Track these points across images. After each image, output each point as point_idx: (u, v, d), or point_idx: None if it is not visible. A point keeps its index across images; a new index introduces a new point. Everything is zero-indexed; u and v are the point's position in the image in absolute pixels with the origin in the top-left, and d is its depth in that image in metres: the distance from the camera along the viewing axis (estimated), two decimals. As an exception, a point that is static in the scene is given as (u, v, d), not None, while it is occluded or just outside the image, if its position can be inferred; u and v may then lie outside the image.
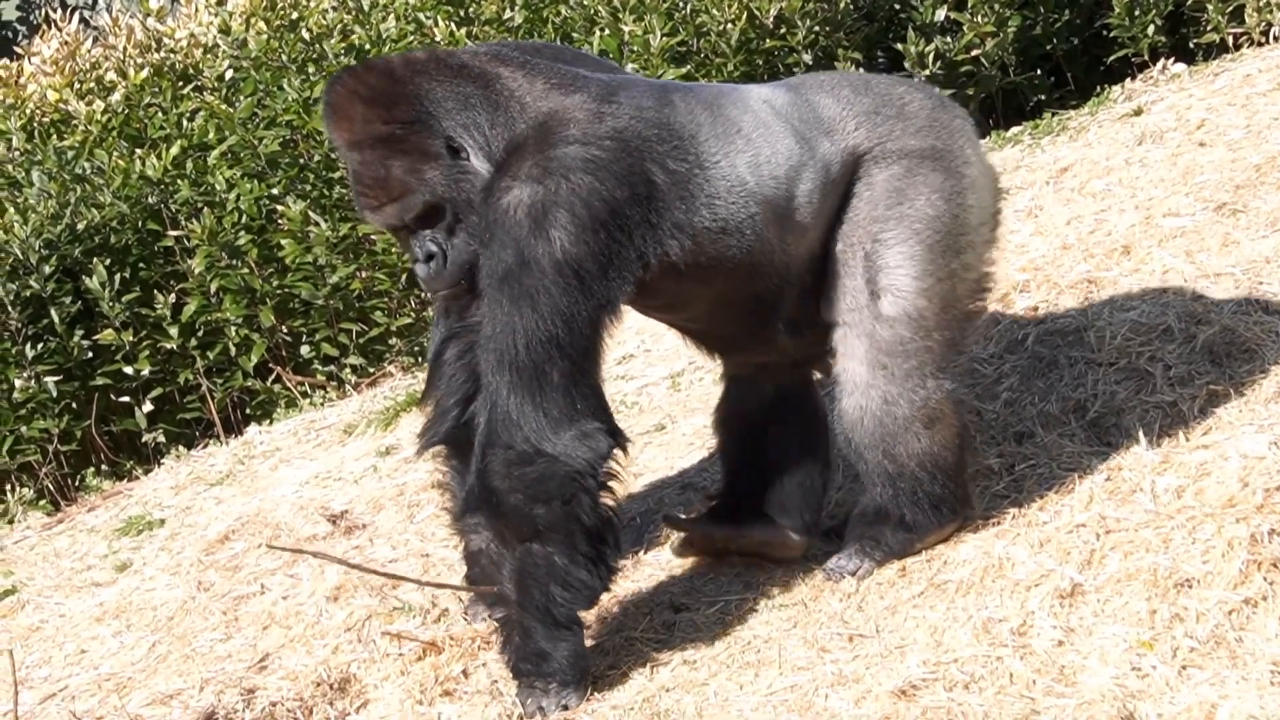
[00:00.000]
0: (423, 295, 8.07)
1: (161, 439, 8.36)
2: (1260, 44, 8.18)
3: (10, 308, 8.27)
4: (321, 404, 8.11)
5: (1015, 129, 8.28)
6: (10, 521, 8.01)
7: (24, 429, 8.24)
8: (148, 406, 8.36)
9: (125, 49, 9.60)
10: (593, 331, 4.14)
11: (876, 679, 4.55)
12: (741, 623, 4.71)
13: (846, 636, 4.73)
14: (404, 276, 8.27)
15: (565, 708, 4.46)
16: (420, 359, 7.91)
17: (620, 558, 4.63)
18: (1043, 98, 8.61)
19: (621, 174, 4.04)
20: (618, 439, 4.28)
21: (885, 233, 4.17)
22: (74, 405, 8.33)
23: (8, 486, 8.28)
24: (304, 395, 8.27)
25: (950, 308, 4.22)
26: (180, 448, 8.17)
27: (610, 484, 4.34)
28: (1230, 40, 8.28)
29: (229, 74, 8.97)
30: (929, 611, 4.78)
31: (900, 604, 4.85)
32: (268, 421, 8.15)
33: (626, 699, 4.52)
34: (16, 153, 9.05)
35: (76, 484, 8.32)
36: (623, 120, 4.10)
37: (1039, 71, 8.68)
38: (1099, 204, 6.85)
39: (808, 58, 8.21)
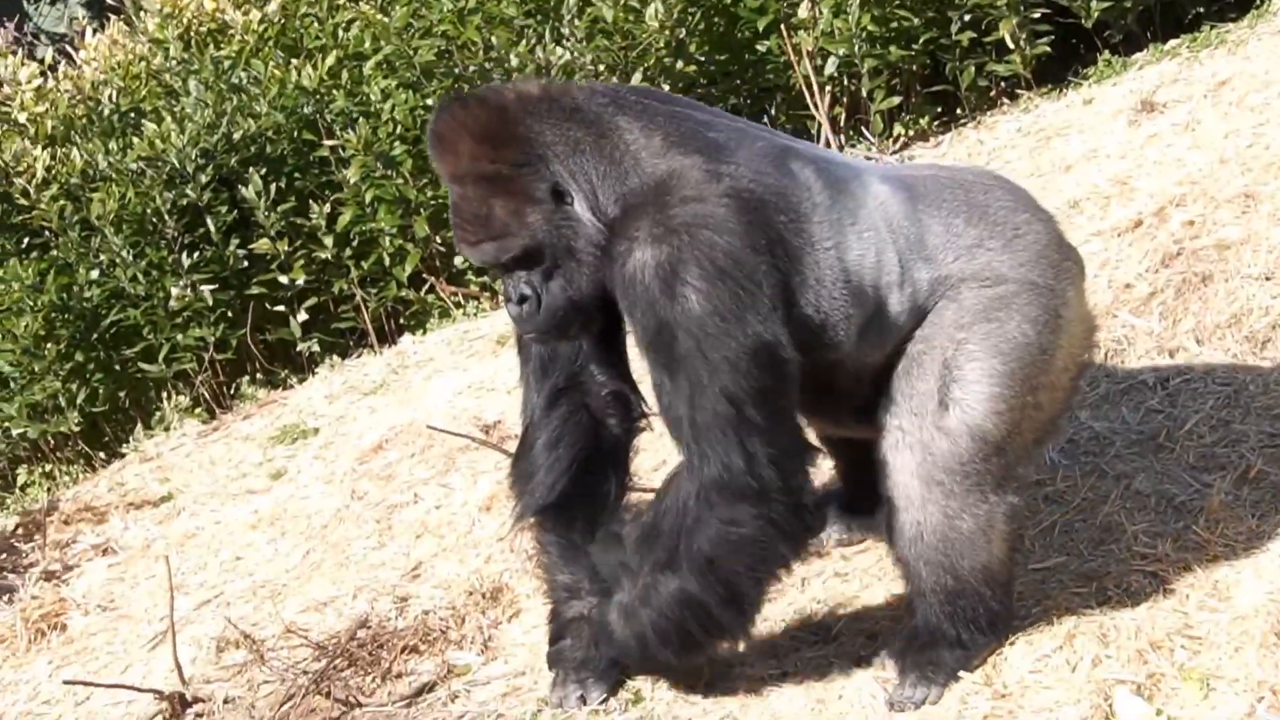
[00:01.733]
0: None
1: (316, 348, 8.47)
2: None
3: (167, 217, 8.40)
4: (475, 315, 8.12)
5: (1173, 42, 8.06)
6: (167, 429, 8.19)
7: (180, 337, 8.38)
8: (302, 316, 8.48)
9: (282, -42, 9.65)
10: (758, 373, 3.97)
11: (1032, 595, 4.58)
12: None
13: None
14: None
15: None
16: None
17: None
18: (1201, 10, 8.35)
19: (741, 228, 3.92)
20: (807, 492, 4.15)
21: (969, 344, 3.98)
22: (229, 314, 8.47)
23: (164, 394, 8.46)
24: (457, 306, 8.29)
25: (1016, 436, 4.02)
26: (334, 357, 8.26)
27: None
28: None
29: (384, -16, 8.97)
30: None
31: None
32: (421, 332, 8.19)
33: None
34: (174, 63, 9.25)
35: (232, 392, 8.49)
36: (741, 182, 3.99)
37: (1199, -17, 8.41)
38: (1257, 118, 6.66)
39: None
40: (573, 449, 4.39)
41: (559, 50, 8.10)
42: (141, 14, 9.69)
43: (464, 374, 7.19)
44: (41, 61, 9.89)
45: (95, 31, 10.35)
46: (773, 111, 8.73)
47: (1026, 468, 4.16)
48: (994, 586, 4.07)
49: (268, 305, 8.56)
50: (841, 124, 8.29)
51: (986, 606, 4.09)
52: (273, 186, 8.38)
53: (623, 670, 4.56)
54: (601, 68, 8.16)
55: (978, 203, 4.11)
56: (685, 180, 3.96)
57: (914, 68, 8.35)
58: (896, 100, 8.24)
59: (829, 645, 4.52)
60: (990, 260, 4.01)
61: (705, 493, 4.08)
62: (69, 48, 10.64)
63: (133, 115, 9.02)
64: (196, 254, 8.37)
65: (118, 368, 8.54)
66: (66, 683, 5.85)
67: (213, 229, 8.39)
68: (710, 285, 3.89)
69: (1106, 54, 8.09)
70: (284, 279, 8.45)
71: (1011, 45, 7.97)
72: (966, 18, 8.10)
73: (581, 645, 4.51)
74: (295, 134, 8.67)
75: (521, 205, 4.00)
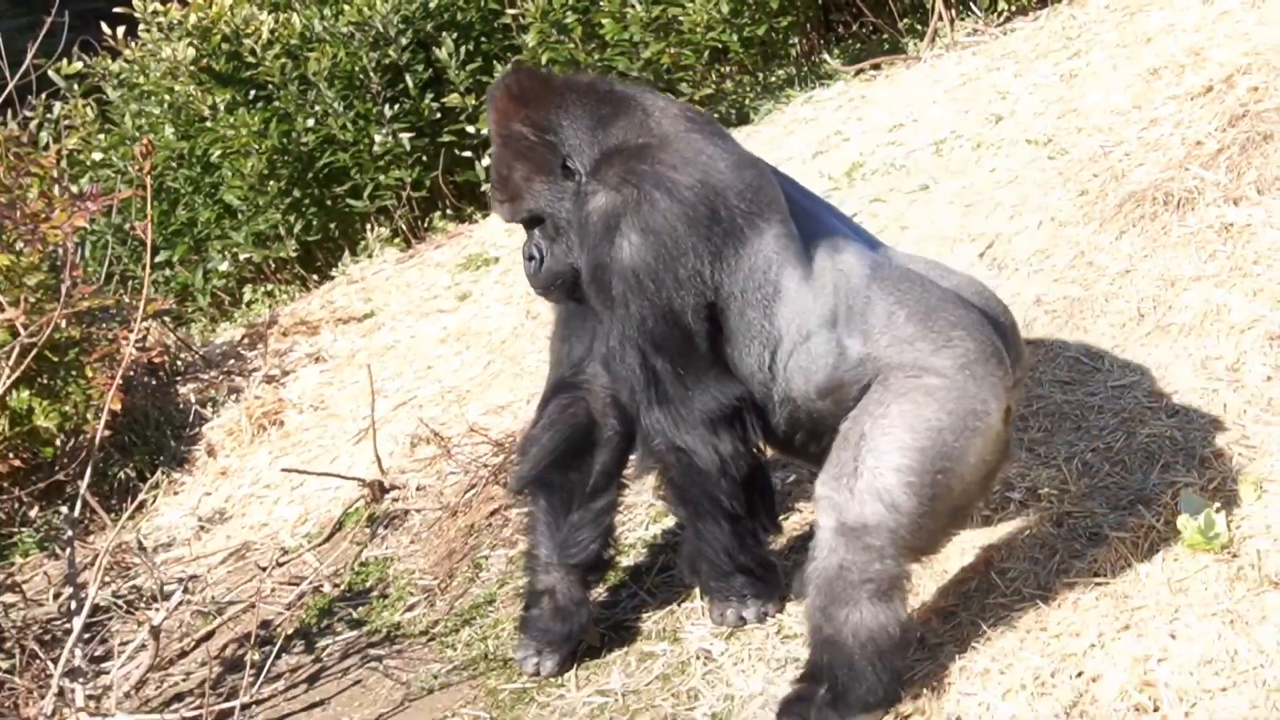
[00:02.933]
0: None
1: None
2: None
3: (372, 74, 8.52)
4: None
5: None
6: (370, 256, 8.47)
7: (382, 178, 8.58)
8: (485, 160, 8.49)
9: None
10: (666, 330, 3.90)
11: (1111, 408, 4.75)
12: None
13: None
14: (706, 52, 8.42)
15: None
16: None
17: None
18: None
19: (693, 199, 3.83)
20: (745, 422, 4.03)
21: (885, 420, 3.78)
22: (424, 158, 8.62)
23: (368, 226, 8.71)
24: None
25: (924, 513, 3.78)
26: None
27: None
28: None
29: None
30: (1154, 350, 4.97)
31: (1128, 343, 5.05)
32: None
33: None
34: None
35: (425, 225, 8.70)
36: (721, 173, 3.89)
37: None
38: (1323, -8, 6.63)
39: None
40: (560, 437, 4.25)
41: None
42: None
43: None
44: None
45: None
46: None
47: (928, 546, 3.93)
48: (875, 648, 3.81)
49: (457, 151, 8.63)
50: (952, 1, 8.30)
51: (867, 668, 3.83)
52: (462, 49, 8.48)
53: (581, 644, 4.47)
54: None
55: (928, 305, 3.90)
56: (672, 147, 3.87)
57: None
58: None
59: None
60: (918, 358, 3.82)
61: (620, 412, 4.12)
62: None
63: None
64: (397, 106, 8.49)
65: (329, 203, 8.73)
66: (284, 470, 6.26)
67: (411, 85, 8.50)
68: (642, 240, 3.80)
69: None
70: (470, 129, 8.53)
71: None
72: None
73: (545, 616, 4.40)
74: (482, 3, 8.75)
75: (533, 173, 3.97)
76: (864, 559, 3.75)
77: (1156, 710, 3.85)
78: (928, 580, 4.39)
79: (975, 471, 3.84)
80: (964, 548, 4.43)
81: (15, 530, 6.54)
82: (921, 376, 3.81)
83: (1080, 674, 4.00)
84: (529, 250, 4.08)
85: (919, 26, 8.67)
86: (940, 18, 8.17)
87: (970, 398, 3.80)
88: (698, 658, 4.40)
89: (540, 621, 4.42)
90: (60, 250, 6.61)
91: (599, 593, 4.72)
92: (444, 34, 8.53)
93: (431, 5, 8.67)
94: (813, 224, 4.01)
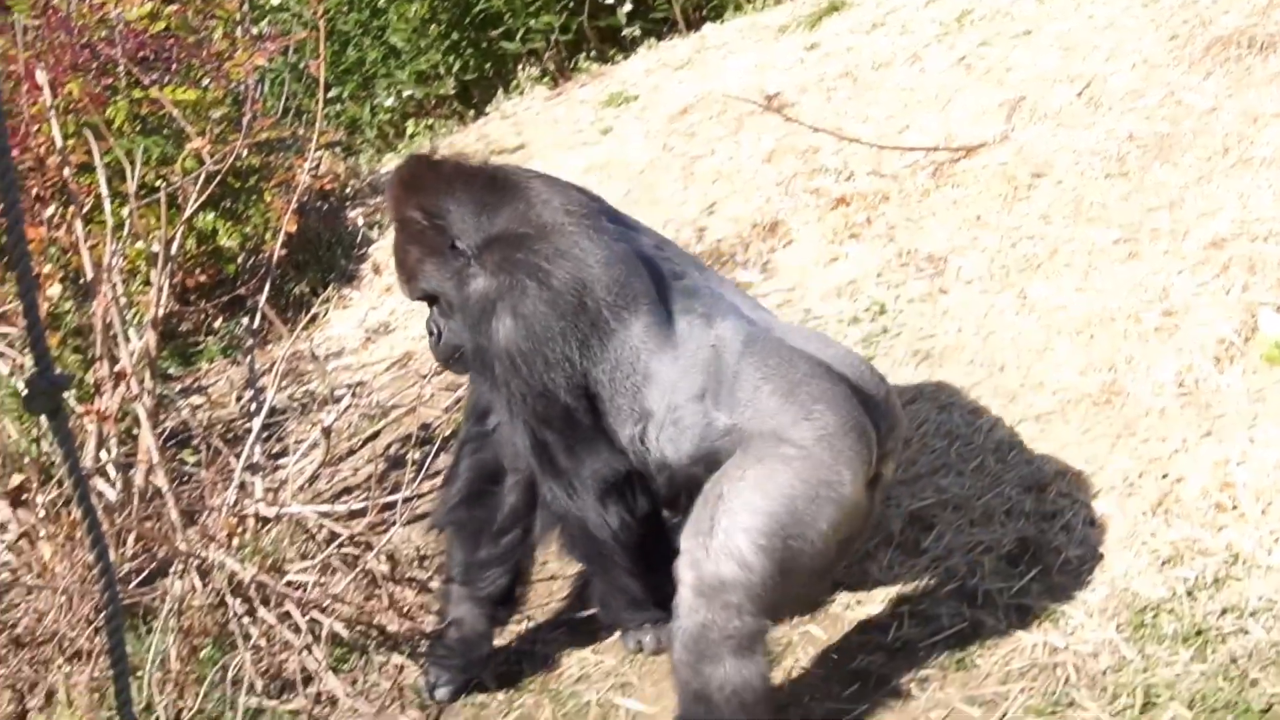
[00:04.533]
0: None
1: (637, 33, 8.55)
2: None
3: None
4: (761, 8, 8.17)
5: None
6: (520, 94, 8.48)
7: (533, 22, 8.60)
8: (627, 6, 8.54)
9: None
10: (544, 407, 3.84)
11: (1192, 235, 4.79)
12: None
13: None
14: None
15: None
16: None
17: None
18: None
19: (561, 288, 3.76)
20: (634, 488, 3.97)
21: (741, 483, 3.70)
22: (571, 4, 8.61)
23: (520, 67, 8.73)
24: (748, 0, 8.36)
25: (775, 573, 3.69)
26: (652, 40, 8.40)
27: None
28: None
29: None
30: (1237, 181, 4.98)
31: (1213, 174, 5.05)
32: (720, 21, 8.26)
33: None
34: None
35: (571, 66, 8.68)
36: (590, 265, 3.79)
37: None
38: None
39: None
40: (471, 479, 4.18)
41: None
42: None
43: (753, 55, 7.30)
44: None
45: None
46: None
47: (780, 603, 3.84)
48: (740, 701, 3.73)
49: (600, -2, 8.67)
50: None
51: (726, 716, 3.73)
52: (608, -101, 8.42)
53: (476, 677, 4.33)
54: None
55: (792, 380, 3.79)
56: (549, 239, 3.80)
57: None
58: None
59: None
60: (777, 427, 3.73)
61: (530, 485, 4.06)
62: None
63: None
64: (547, -46, 8.49)
65: (484, 45, 8.75)
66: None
67: (560, -67, 8.48)
68: (514, 323, 3.75)
69: None
70: (614, -23, 8.56)
71: None
72: None
73: (448, 645, 4.30)
74: None
75: (425, 255, 3.91)
76: (723, 617, 3.68)
77: (1235, 508, 3.90)
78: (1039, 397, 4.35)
79: (826, 539, 3.74)
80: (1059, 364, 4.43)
81: (201, 339, 6.71)
82: (780, 446, 3.72)
83: (1165, 475, 4.04)
84: (430, 326, 4.04)
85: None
86: None
87: (825, 468, 3.70)
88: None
89: (443, 648, 4.33)
90: (242, 86, 6.72)
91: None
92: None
93: None
94: (697, 297, 3.92)
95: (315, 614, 4.43)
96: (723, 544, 3.68)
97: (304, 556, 4.72)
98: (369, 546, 4.74)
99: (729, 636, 3.69)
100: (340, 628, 4.45)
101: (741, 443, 3.78)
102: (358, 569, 4.62)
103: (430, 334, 4.02)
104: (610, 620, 4.32)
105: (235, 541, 4.56)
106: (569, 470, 3.88)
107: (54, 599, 4.43)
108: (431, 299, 3.97)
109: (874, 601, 4.21)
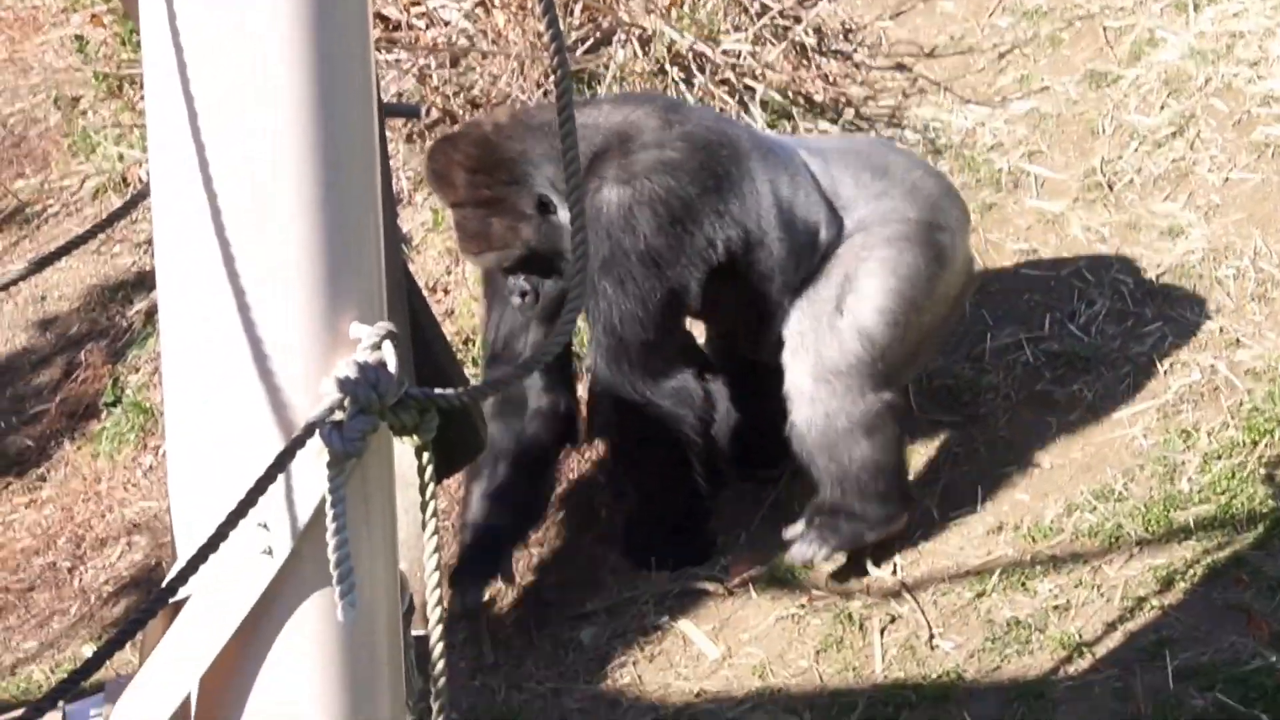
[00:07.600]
0: None
1: None
2: None
3: None
4: None
5: None
6: None
7: None
8: None
9: None
10: (670, 310, 3.94)
11: None
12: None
13: None
14: None
15: None
16: None
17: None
18: None
19: (693, 171, 3.85)
20: (706, 394, 4.08)
21: (869, 263, 3.88)
22: None
23: None
24: None
25: (897, 345, 3.88)
26: None
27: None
28: None
29: None
30: None
31: None
32: None
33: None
34: None
35: None
36: (689, 126, 3.90)
37: None
38: None
39: None
40: (494, 407, 4.12)
41: None
42: None
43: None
44: None
45: None
46: None
47: (904, 375, 4.05)
48: (877, 471, 3.95)
49: None
50: None
51: (874, 488, 3.97)
52: None
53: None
54: None
55: (880, 164, 4.04)
56: (643, 128, 3.89)
57: None
58: None
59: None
60: (894, 205, 3.94)
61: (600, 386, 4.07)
62: None
63: None
64: None
65: None
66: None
67: None
68: (660, 227, 3.86)
69: None
70: None
71: None
72: None
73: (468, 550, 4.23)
74: None
75: (514, 221, 3.92)
76: (848, 400, 3.86)
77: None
78: None
79: (943, 302, 3.98)
80: None
81: None
82: (897, 224, 3.92)
83: None
84: (519, 287, 3.98)
85: None
86: None
87: (940, 233, 3.93)
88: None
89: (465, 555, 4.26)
90: None
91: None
92: None
93: None
94: (775, 143, 4.10)
95: (749, 80, 4.69)
96: (852, 323, 3.86)
97: (736, 29, 4.90)
98: (797, 20, 4.94)
99: (855, 420, 3.88)
100: (774, 94, 4.70)
101: (860, 229, 3.95)
102: (787, 40, 4.83)
103: (521, 295, 3.99)
104: (639, 552, 4.25)
105: (674, 12, 4.78)
106: (660, 372, 3.97)
107: (506, 64, 4.76)
108: (525, 263, 3.97)
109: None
